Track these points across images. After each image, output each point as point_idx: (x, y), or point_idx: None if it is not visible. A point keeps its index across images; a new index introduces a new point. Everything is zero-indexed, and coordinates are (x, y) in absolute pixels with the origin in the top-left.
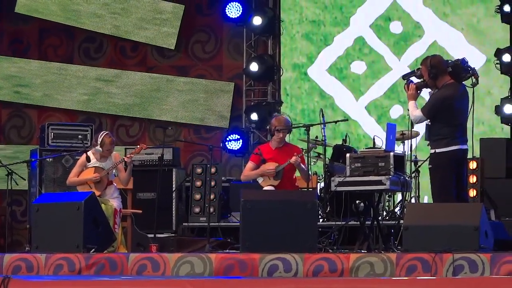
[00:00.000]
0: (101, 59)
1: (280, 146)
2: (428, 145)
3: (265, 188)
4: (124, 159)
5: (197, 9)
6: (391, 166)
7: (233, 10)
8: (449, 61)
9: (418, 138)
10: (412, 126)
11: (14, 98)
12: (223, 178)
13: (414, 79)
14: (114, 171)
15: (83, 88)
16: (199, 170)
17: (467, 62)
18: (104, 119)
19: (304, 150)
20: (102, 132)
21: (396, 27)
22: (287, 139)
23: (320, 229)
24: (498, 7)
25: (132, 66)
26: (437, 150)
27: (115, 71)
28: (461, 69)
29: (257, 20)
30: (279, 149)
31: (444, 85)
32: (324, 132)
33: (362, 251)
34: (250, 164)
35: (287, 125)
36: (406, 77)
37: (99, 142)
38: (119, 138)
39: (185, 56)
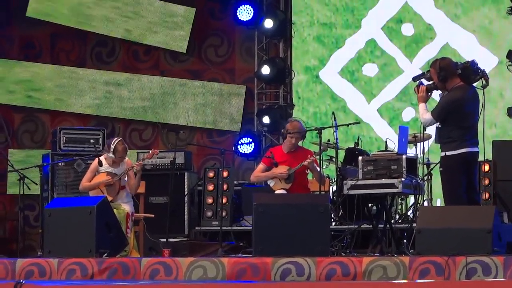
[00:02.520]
0: (114, 63)
1: (293, 150)
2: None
3: (277, 191)
4: (134, 166)
5: (210, 13)
6: (403, 169)
7: (244, 13)
8: (459, 63)
9: (431, 140)
10: (425, 129)
11: (26, 102)
12: (235, 181)
13: (424, 81)
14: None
15: (96, 92)
16: (211, 174)
17: (477, 64)
18: (116, 123)
19: (316, 153)
20: (115, 139)
21: (407, 29)
22: (300, 143)
23: (332, 233)
24: (510, 8)
25: (145, 70)
26: (447, 153)
27: (127, 75)
28: (470, 71)
29: (268, 23)
30: (291, 153)
31: (454, 87)
32: (336, 135)
33: (375, 254)
34: (261, 166)
35: (300, 131)
36: (416, 79)
37: (111, 149)
38: (132, 142)
39: (198, 60)
